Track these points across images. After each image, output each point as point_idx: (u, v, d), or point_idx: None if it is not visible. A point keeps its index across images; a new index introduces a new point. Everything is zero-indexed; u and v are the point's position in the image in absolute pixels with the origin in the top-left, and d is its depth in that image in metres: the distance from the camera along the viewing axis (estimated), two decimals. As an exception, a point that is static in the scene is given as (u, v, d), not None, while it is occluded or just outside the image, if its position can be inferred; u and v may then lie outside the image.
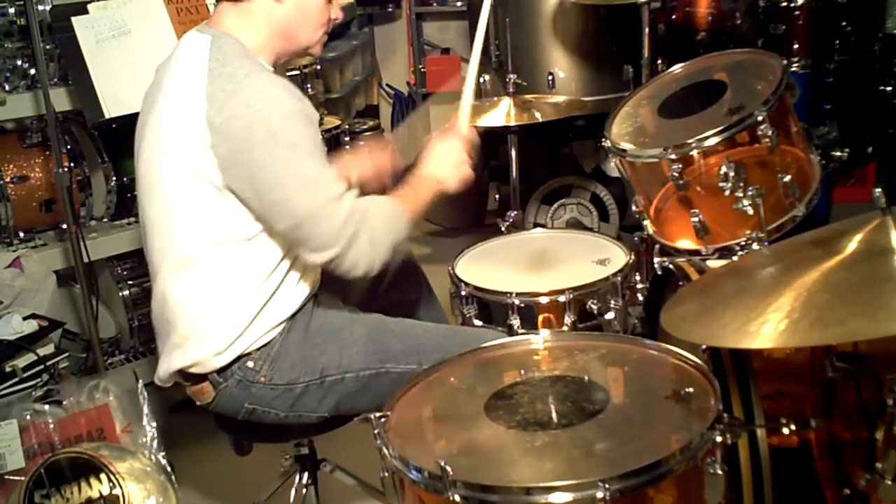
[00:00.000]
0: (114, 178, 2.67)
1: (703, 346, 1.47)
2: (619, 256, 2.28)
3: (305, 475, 2.06)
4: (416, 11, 4.75)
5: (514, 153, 2.81)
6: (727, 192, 1.83)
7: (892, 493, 1.22)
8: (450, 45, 4.91)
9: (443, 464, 1.19)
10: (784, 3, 3.09)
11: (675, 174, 1.95)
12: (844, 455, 1.47)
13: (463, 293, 2.20)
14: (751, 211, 1.82)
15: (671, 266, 1.87)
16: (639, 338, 1.59)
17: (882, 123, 3.15)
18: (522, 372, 1.53)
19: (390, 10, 5.02)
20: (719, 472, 1.22)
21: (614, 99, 2.86)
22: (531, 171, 3.76)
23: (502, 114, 2.61)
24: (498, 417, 1.38)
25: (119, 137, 2.61)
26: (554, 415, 1.38)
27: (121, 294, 2.75)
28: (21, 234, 2.57)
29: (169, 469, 1.88)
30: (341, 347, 1.79)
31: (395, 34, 5.11)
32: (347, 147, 1.61)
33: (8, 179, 2.51)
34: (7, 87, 2.44)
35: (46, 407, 1.92)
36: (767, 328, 1.15)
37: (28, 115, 2.51)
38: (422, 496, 1.27)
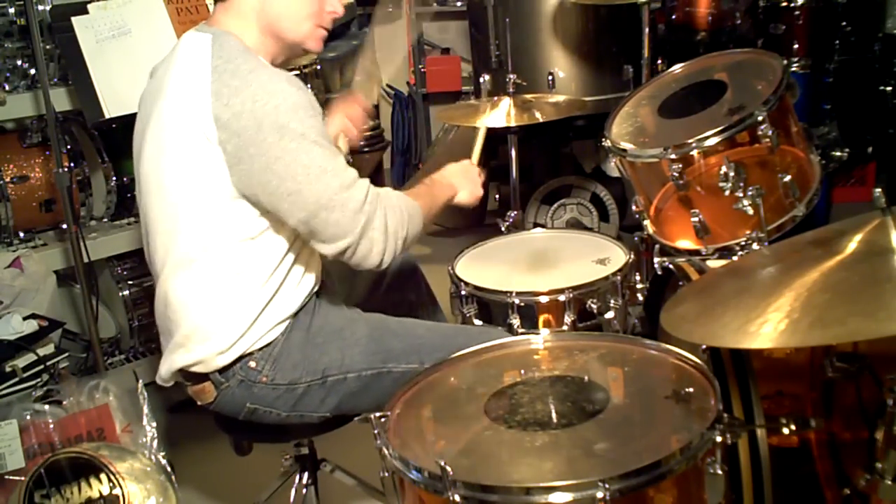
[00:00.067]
0: (114, 178, 2.67)
1: (703, 346, 1.46)
2: (618, 256, 2.28)
3: (305, 475, 2.06)
4: (416, 11, 4.75)
5: (514, 153, 2.81)
6: (727, 192, 1.84)
7: (892, 493, 1.22)
8: (450, 45, 4.92)
9: (443, 464, 1.19)
10: (784, 3, 3.10)
11: (675, 174, 1.95)
12: (844, 455, 1.47)
13: (463, 293, 2.20)
14: (751, 211, 1.82)
15: (671, 266, 1.87)
16: (639, 338, 1.59)
17: (882, 123, 3.16)
18: (522, 372, 1.53)
19: (390, 10, 5.01)
20: (719, 472, 1.22)
21: (614, 99, 2.86)
22: (531, 171, 3.77)
23: (502, 114, 2.61)
24: (498, 417, 1.38)
25: (119, 137, 2.61)
26: (554, 415, 1.38)
27: (121, 294, 2.75)
28: (21, 234, 2.57)
29: (169, 469, 1.88)
30: (343, 347, 1.79)
31: (395, 34, 5.11)
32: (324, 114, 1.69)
33: (8, 179, 2.51)
34: (7, 87, 2.44)
35: (46, 407, 1.92)
36: (767, 328, 1.15)
37: (28, 115, 2.51)
38: (422, 496, 1.27)
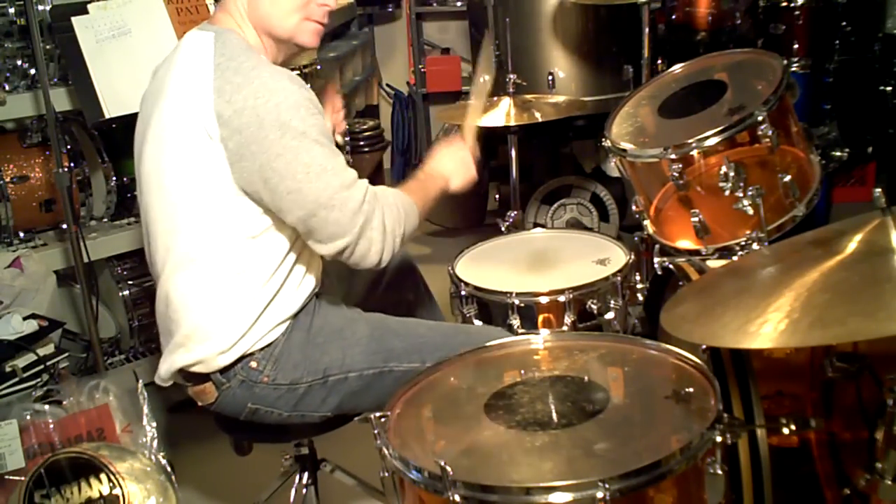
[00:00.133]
0: (114, 178, 2.66)
1: (703, 346, 1.46)
2: (619, 256, 2.28)
3: (305, 475, 2.06)
4: (416, 11, 4.76)
5: (514, 153, 2.81)
6: (727, 192, 1.83)
7: (892, 493, 1.22)
8: (450, 45, 4.92)
9: (443, 464, 1.19)
10: (784, 3, 3.09)
11: (675, 174, 1.95)
12: (844, 455, 1.47)
13: (463, 293, 2.20)
14: (751, 211, 1.82)
15: (671, 266, 1.87)
16: (639, 338, 1.59)
17: (882, 123, 3.15)
18: (522, 372, 1.53)
19: (390, 10, 5.02)
20: (719, 472, 1.22)
21: (614, 99, 2.85)
22: (531, 171, 3.77)
23: (502, 114, 2.61)
24: (498, 417, 1.38)
25: (119, 137, 2.61)
26: (554, 415, 1.38)
27: (121, 294, 2.75)
28: (21, 234, 2.57)
29: (169, 469, 1.88)
30: (344, 347, 1.79)
31: (395, 34, 5.12)
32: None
33: (8, 179, 2.51)
34: (7, 87, 2.44)
35: (46, 407, 1.92)
36: (767, 328, 1.15)
37: (28, 115, 2.50)
38: (422, 496, 1.27)
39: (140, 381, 2.01)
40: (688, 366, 1.43)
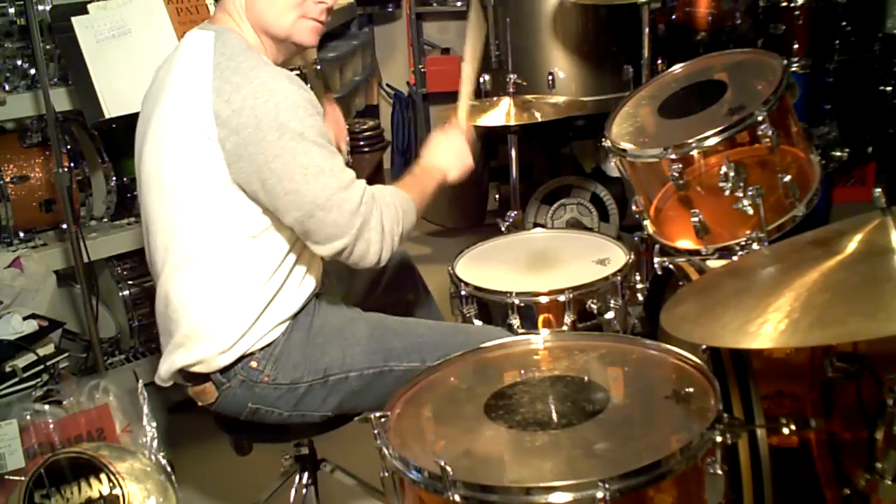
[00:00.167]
0: (114, 178, 2.66)
1: (703, 346, 1.47)
2: (619, 256, 2.28)
3: (305, 475, 2.06)
4: (416, 11, 4.75)
5: (514, 153, 2.81)
6: (727, 192, 1.83)
7: (892, 493, 1.22)
8: (450, 45, 4.92)
9: (443, 464, 1.19)
10: (784, 3, 3.09)
11: (675, 174, 1.95)
12: (844, 455, 1.47)
13: (463, 293, 2.20)
14: (751, 211, 1.82)
15: (671, 266, 1.87)
16: (639, 338, 1.59)
17: (882, 123, 3.15)
18: (522, 372, 1.53)
19: (390, 10, 5.02)
20: (719, 472, 1.22)
21: (614, 99, 2.86)
22: (531, 171, 3.76)
23: (502, 114, 2.61)
24: (498, 417, 1.38)
25: (119, 137, 2.61)
26: (554, 415, 1.38)
27: (121, 294, 2.75)
28: (21, 234, 2.57)
29: (169, 469, 1.88)
30: (344, 347, 1.79)
31: (395, 34, 5.12)
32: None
33: (8, 179, 2.51)
34: (7, 87, 2.43)
35: (46, 407, 1.92)
36: (767, 328, 1.15)
37: (28, 115, 2.50)
38: (422, 496, 1.27)
39: (140, 381, 2.01)
40: (688, 366, 1.43)
